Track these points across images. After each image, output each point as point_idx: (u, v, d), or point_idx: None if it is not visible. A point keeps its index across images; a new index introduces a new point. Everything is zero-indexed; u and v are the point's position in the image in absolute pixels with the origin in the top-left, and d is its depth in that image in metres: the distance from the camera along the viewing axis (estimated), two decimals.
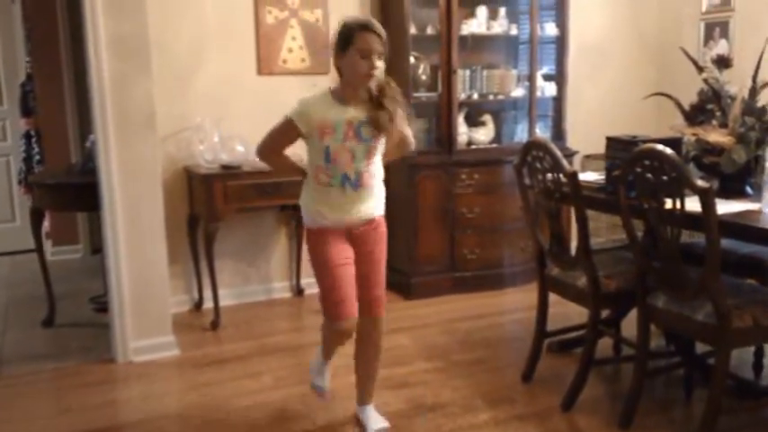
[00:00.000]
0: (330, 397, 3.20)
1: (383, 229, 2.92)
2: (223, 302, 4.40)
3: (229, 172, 4.19)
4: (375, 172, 2.83)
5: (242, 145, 4.29)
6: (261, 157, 2.99)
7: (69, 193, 4.17)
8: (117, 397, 3.47)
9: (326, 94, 2.78)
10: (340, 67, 2.73)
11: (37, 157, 5.83)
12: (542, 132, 5.14)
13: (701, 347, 3.22)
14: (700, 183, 2.50)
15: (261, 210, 4.63)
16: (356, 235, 2.85)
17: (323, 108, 2.73)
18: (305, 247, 4.62)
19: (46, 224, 5.17)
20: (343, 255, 2.81)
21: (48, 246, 5.64)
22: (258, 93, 4.58)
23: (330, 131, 2.71)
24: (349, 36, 2.65)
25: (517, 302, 4.66)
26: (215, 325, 4.27)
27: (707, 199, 2.48)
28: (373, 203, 2.86)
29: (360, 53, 2.64)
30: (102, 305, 4.34)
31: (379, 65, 2.67)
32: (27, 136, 5.87)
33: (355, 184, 2.76)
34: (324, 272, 2.81)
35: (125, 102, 3.63)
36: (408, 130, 2.95)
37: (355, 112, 2.73)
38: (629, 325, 3.27)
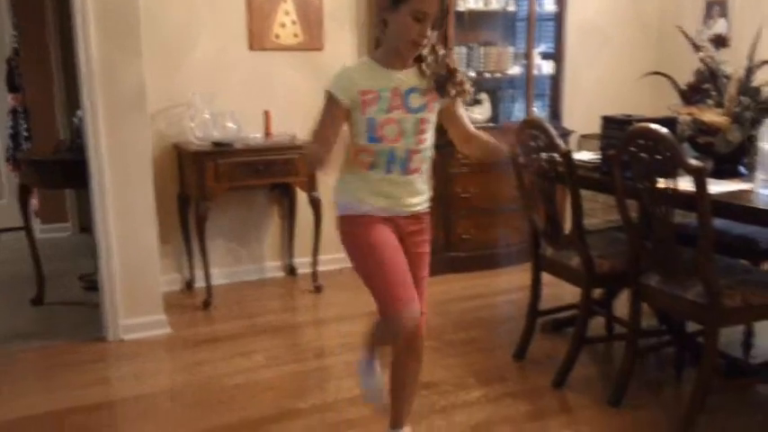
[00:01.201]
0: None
1: (429, 228, 2.56)
2: (215, 282, 4.38)
3: (221, 150, 4.15)
4: (426, 155, 2.41)
5: (233, 122, 4.25)
6: (313, 159, 2.32)
7: (57, 170, 4.12)
8: (108, 375, 3.45)
9: (365, 59, 2.37)
10: (387, 22, 2.26)
11: (25, 134, 5.77)
12: (539, 111, 5.11)
13: (692, 326, 3.22)
14: (693, 162, 2.49)
15: (253, 188, 4.59)
16: (402, 228, 2.43)
17: (365, 73, 2.30)
18: (298, 225, 4.70)
19: (34, 202, 5.12)
20: (393, 238, 2.38)
21: (36, 224, 5.60)
22: (250, 69, 4.53)
23: (374, 99, 2.27)
24: None
25: (511, 283, 4.65)
26: (207, 304, 4.25)
27: (700, 179, 2.47)
28: (423, 196, 2.48)
29: (413, 14, 2.19)
30: (91, 283, 4.31)
31: (431, 34, 2.25)
32: (14, 112, 5.82)
33: (403, 166, 2.34)
34: (371, 257, 2.33)
35: (114, 78, 3.58)
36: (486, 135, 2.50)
37: (403, 77, 2.30)
38: (622, 305, 3.28)
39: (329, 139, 2.26)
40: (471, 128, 2.54)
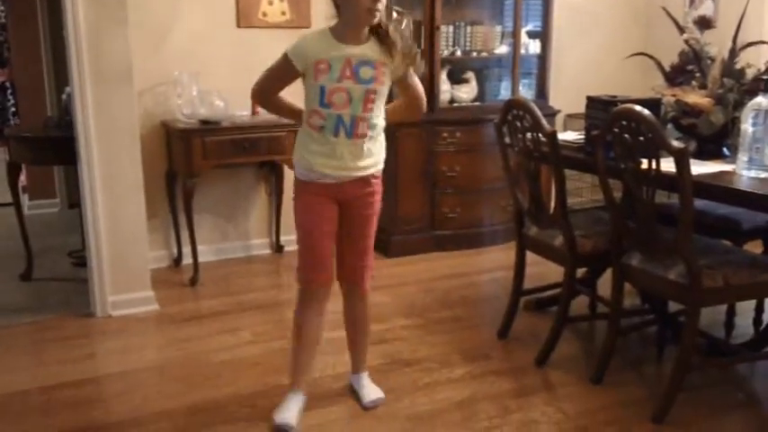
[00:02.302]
0: None
1: (379, 190, 2.76)
2: (202, 259, 4.40)
3: (208, 127, 4.15)
4: (374, 122, 2.61)
5: (221, 100, 4.24)
6: (256, 97, 2.78)
7: (46, 146, 4.12)
8: (96, 350, 3.48)
9: (325, 31, 2.56)
10: (339, 4, 2.51)
11: (12, 110, 5.75)
12: (526, 91, 5.12)
13: (674, 306, 3.27)
14: (675, 144, 2.51)
15: (240, 166, 4.60)
16: (347, 194, 2.66)
17: (321, 45, 2.52)
18: (285, 203, 4.70)
19: (22, 178, 5.11)
20: (327, 220, 2.67)
21: (24, 200, 5.59)
22: (237, 46, 4.52)
23: (325, 69, 2.50)
24: None
25: (496, 261, 4.69)
26: (194, 281, 4.28)
27: (681, 160, 2.49)
28: (370, 160, 2.66)
29: None
30: (80, 259, 4.33)
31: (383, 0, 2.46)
32: (2, 88, 5.78)
33: (350, 131, 2.56)
34: (303, 238, 2.69)
35: (102, 53, 3.57)
36: (419, 86, 2.75)
37: (355, 51, 2.52)
38: (606, 284, 3.32)
39: (270, 90, 2.69)
40: (419, 94, 2.77)
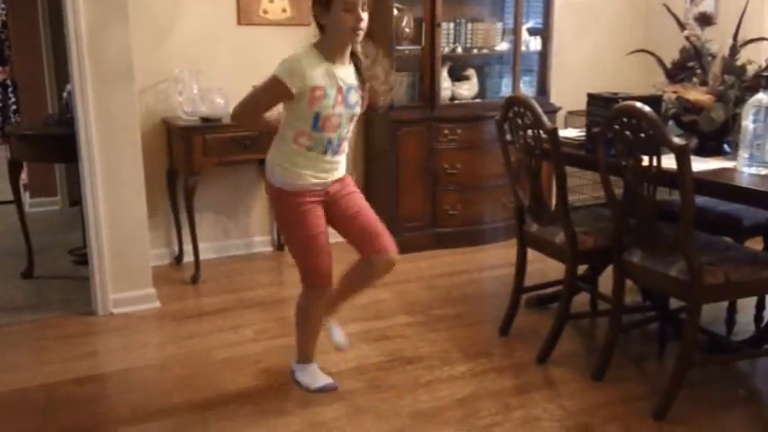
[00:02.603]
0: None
1: (350, 180, 2.91)
2: (203, 256, 4.40)
3: (209, 125, 4.15)
4: (349, 138, 2.81)
5: (222, 97, 4.24)
6: (238, 118, 2.82)
7: (47, 144, 4.12)
8: (97, 348, 3.48)
9: (312, 51, 2.61)
10: (323, 24, 2.61)
11: (13, 107, 5.75)
12: (527, 88, 5.12)
13: (675, 303, 3.27)
14: (676, 140, 2.51)
15: (241, 163, 4.59)
16: (330, 193, 2.79)
17: (315, 69, 2.58)
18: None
19: (23, 176, 5.12)
20: (322, 219, 2.78)
21: (25, 197, 5.59)
22: (238, 44, 4.52)
23: (321, 96, 2.58)
24: None
25: (497, 258, 4.69)
26: (195, 278, 4.28)
27: (682, 157, 2.49)
28: (345, 165, 2.86)
29: (344, 7, 2.51)
30: (81, 257, 4.33)
31: (365, 17, 2.56)
32: (3, 86, 5.79)
33: (336, 149, 2.73)
34: (306, 242, 2.75)
35: (102, 52, 3.57)
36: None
37: (344, 75, 2.64)
38: (607, 281, 3.31)
39: (257, 112, 2.75)
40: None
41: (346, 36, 2.58)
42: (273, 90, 2.61)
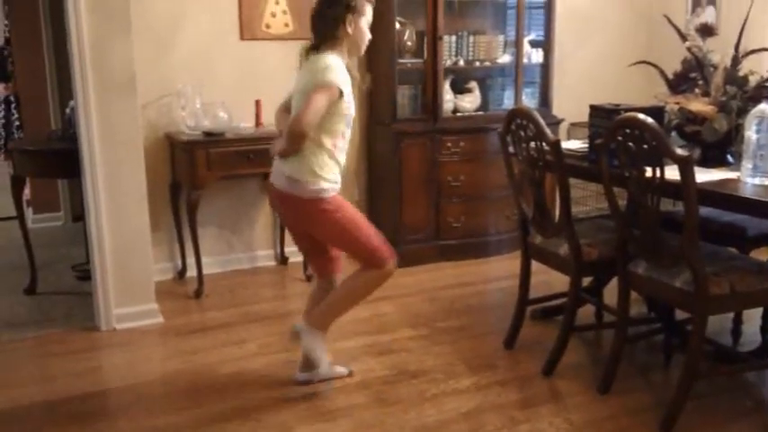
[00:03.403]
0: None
1: None
2: (207, 270, 4.39)
3: (212, 139, 4.15)
4: None
5: (224, 111, 4.25)
6: (306, 135, 2.74)
7: (50, 159, 4.13)
8: (101, 364, 3.47)
9: (337, 57, 2.83)
10: (348, 35, 2.83)
11: (16, 123, 5.76)
12: (529, 100, 5.12)
13: (681, 314, 3.26)
14: (679, 152, 2.51)
15: (244, 177, 4.60)
16: None
17: (347, 76, 2.84)
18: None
19: (26, 191, 5.13)
20: None
21: (28, 213, 5.59)
22: (240, 58, 4.53)
23: (350, 100, 2.86)
24: (362, 5, 2.84)
25: (501, 270, 4.68)
26: (198, 293, 4.27)
27: (685, 168, 2.49)
28: None
29: (367, 23, 2.88)
30: (84, 273, 4.33)
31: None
32: (6, 102, 5.81)
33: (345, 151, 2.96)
34: (360, 223, 2.94)
35: (105, 67, 3.58)
36: None
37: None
38: (612, 292, 3.30)
39: (312, 127, 2.77)
40: None
41: (363, 46, 2.92)
42: (330, 96, 2.75)
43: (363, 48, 2.94)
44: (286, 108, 3.01)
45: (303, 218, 2.94)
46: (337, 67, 2.78)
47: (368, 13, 2.89)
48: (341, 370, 3.21)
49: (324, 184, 2.84)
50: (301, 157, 2.81)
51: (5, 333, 3.76)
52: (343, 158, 2.92)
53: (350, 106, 2.85)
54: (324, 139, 2.82)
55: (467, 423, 2.84)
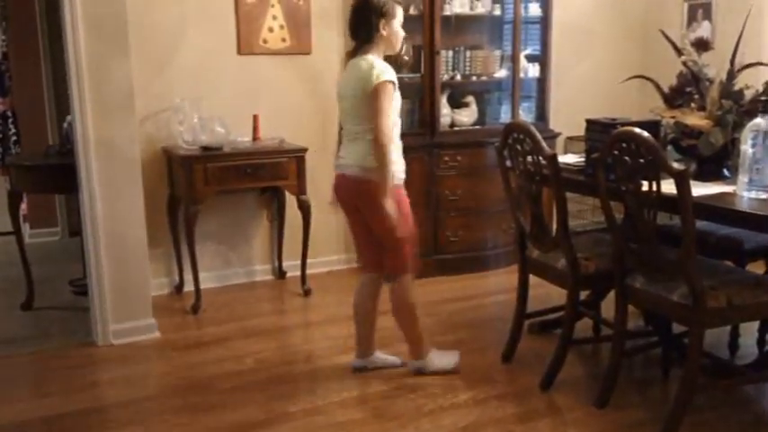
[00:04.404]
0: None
1: None
2: (204, 285, 4.38)
3: (210, 153, 4.16)
4: None
5: (222, 126, 4.26)
6: (389, 143, 3.00)
7: (47, 174, 4.13)
8: (98, 379, 3.46)
9: (378, 57, 3.07)
10: (383, 37, 3.08)
11: (13, 138, 5.76)
12: (526, 114, 5.14)
13: (679, 327, 3.25)
14: (675, 166, 2.52)
15: (242, 192, 4.61)
16: None
17: None
18: (287, 229, 4.70)
19: (23, 206, 5.12)
20: None
21: (25, 228, 5.59)
22: (238, 73, 4.55)
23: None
24: (393, 9, 3.09)
25: (499, 284, 4.68)
26: (196, 308, 4.26)
27: (682, 182, 2.49)
28: None
29: (399, 23, 3.13)
30: (81, 288, 4.32)
31: None
32: (3, 116, 5.80)
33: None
34: (407, 227, 3.13)
35: (103, 82, 3.59)
36: None
37: None
38: (610, 306, 3.30)
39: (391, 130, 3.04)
40: None
41: (398, 45, 3.18)
42: (389, 93, 3.00)
43: (398, 46, 3.19)
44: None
45: (367, 204, 3.10)
46: (381, 64, 3.02)
47: (399, 15, 3.13)
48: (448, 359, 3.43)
49: (395, 172, 3.07)
50: (367, 148, 3.04)
51: (2, 348, 3.75)
52: (399, 142, 3.13)
53: (399, 96, 3.09)
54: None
55: None
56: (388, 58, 3.15)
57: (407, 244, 3.17)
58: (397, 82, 3.04)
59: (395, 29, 3.12)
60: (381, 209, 3.03)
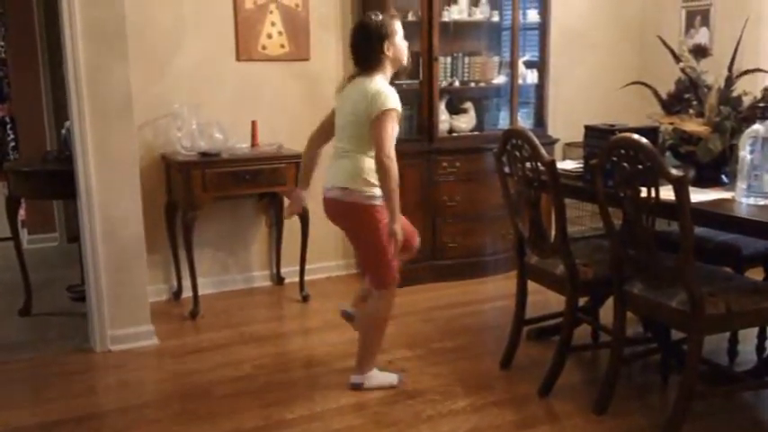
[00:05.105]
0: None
1: None
2: (202, 291, 4.38)
3: (208, 159, 4.16)
4: None
5: (220, 132, 4.26)
6: (393, 159, 2.98)
7: (46, 180, 4.13)
8: (96, 386, 3.45)
9: (385, 81, 3.06)
10: (388, 57, 3.06)
11: (12, 144, 5.76)
12: (524, 120, 5.15)
13: (677, 334, 3.25)
14: (673, 172, 2.52)
15: (240, 198, 4.60)
16: None
17: None
18: (285, 235, 4.70)
19: (21, 212, 5.11)
20: None
21: (23, 234, 5.58)
22: (237, 79, 4.55)
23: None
24: (393, 26, 3.06)
25: (498, 290, 4.68)
26: (194, 314, 4.25)
27: (680, 188, 2.50)
28: None
29: (401, 37, 3.11)
30: (79, 294, 4.31)
31: None
32: (1, 122, 5.81)
33: None
34: (388, 246, 3.06)
35: (101, 88, 3.59)
36: None
37: None
38: (608, 312, 3.30)
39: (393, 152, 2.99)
40: None
41: (404, 59, 3.14)
42: (395, 119, 2.99)
43: (405, 60, 3.16)
44: (321, 133, 3.32)
45: (353, 222, 3.15)
46: (389, 90, 3.01)
47: (399, 29, 3.10)
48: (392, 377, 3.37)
49: (377, 191, 3.04)
50: (358, 167, 3.04)
51: (0, 354, 3.75)
52: None
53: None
54: (374, 152, 3.01)
55: None
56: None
57: (391, 259, 3.13)
58: (400, 111, 3.04)
59: (398, 45, 3.10)
60: (365, 230, 3.09)
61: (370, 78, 3.04)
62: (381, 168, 2.95)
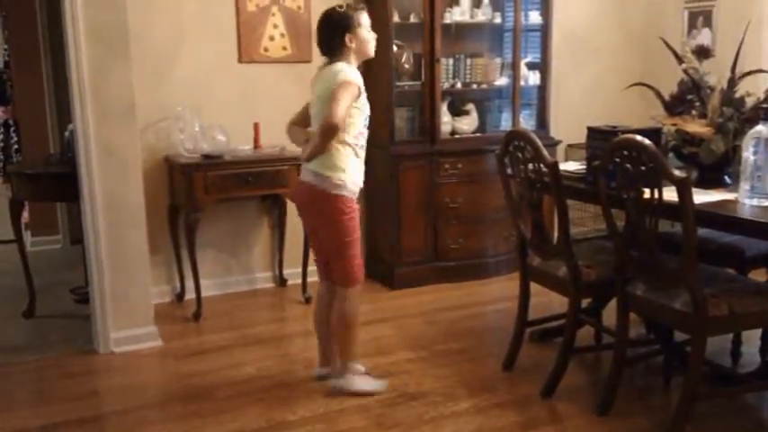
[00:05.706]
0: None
1: None
2: (205, 293, 4.38)
3: (210, 162, 4.17)
4: None
5: (223, 134, 4.27)
6: (339, 128, 2.97)
7: (49, 183, 4.13)
8: (99, 388, 3.45)
9: (348, 65, 3.06)
10: (356, 47, 3.07)
11: (15, 147, 5.77)
12: (526, 122, 5.14)
13: (680, 335, 3.25)
14: (677, 173, 2.52)
15: (243, 200, 4.61)
16: None
17: None
18: (288, 236, 4.70)
19: (25, 215, 5.12)
20: None
21: (27, 236, 5.59)
22: (239, 81, 4.56)
23: (365, 98, 3.08)
24: (357, 19, 3.07)
25: (500, 292, 4.67)
26: (197, 316, 4.26)
27: (683, 189, 2.49)
28: None
29: (367, 29, 3.11)
30: (82, 296, 4.32)
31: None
32: (5, 125, 5.82)
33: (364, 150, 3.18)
34: (358, 240, 3.12)
35: (104, 91, 3.60)
36: None
37: None
38: (611, 314, 3.30)
39: (343, 120, 2.97)
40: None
41: (370, 51, 3.15)
42: (352, 92, 2.98)
43: (371, 52, 3.17)
44: (298, 121, 3.28)
45: (319, 212, 3.12)
46: (350, 70, 3.03)
47: (364, 21, 3.11)
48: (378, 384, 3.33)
49: (346, 179, 3.05)
50: (328, 154, 3.02)
51: (3, 356, 3.74)
52: (363, 156, 3.14)
53: (366, 104, 3.09)
54: (346, 136, 3.03)
55: None
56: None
57: (356, 255, 3.15)
58: (363, 88, 3.04)
59: (362, 37, 3.10)
60: (330, 221, 3.08)
61: (334, 64, 3.06)
62: (323, 125, 2.95)
